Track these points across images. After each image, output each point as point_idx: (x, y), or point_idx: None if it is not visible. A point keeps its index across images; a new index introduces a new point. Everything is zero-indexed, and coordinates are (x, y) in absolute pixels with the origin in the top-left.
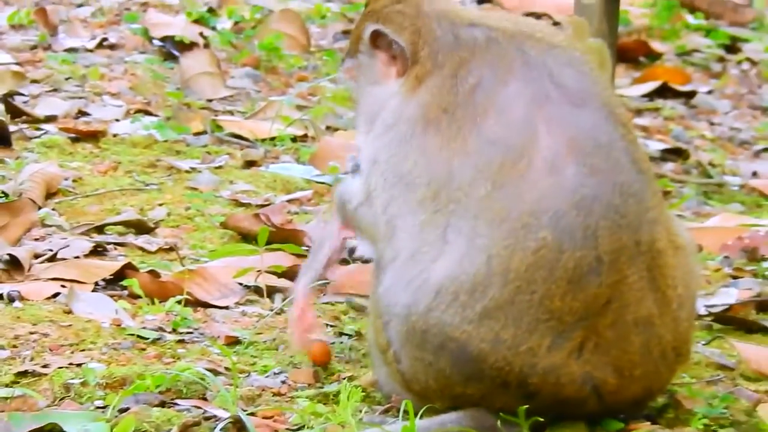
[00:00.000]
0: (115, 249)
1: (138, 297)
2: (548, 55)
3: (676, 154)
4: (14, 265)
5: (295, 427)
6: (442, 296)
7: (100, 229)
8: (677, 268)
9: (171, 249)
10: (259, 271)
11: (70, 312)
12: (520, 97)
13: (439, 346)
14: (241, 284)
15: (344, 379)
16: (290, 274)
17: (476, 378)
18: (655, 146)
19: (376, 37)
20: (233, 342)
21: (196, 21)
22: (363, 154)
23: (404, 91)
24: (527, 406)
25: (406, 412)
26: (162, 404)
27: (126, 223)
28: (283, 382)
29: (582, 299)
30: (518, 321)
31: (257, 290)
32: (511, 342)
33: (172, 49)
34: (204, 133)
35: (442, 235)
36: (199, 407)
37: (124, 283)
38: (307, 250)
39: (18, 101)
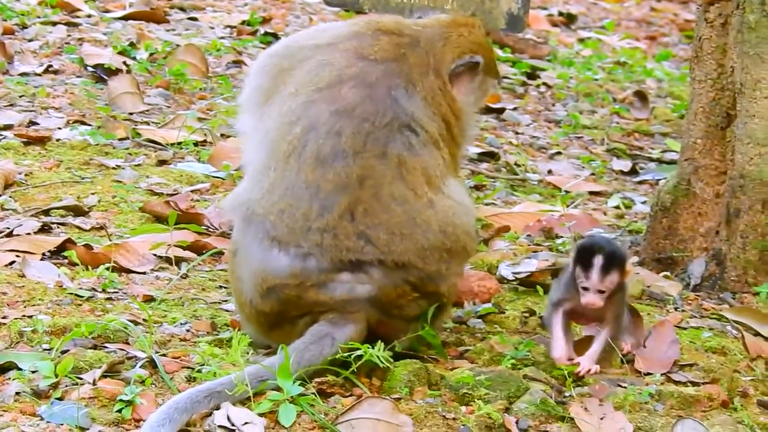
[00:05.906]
0: (58, 227)
1: (76, 264)
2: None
3: (489, 156)
4: None
5: (197, 365)
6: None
7: (46, 212)
8: (426, 187)
9: (101, 228)
10: (169, 245)
11: (23, 276)
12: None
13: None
14: (155, 255)
15: (235, 329)
16: (193, 247)
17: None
18: (474, 150)
19: None
20: (149, 299)
21: (120, 53)
22: None
23: None
24: None
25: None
26: (94, 347)
27: (66, 208)
28: (188, 331)
29: (332, 174)
30: (290, 191)
31: (167, 260)
32: (289, 211)
33: (102, 74)
34: (126, 138)
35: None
36: (123, 350)
37: (65, 253)
38: (206, 228)
39: None
